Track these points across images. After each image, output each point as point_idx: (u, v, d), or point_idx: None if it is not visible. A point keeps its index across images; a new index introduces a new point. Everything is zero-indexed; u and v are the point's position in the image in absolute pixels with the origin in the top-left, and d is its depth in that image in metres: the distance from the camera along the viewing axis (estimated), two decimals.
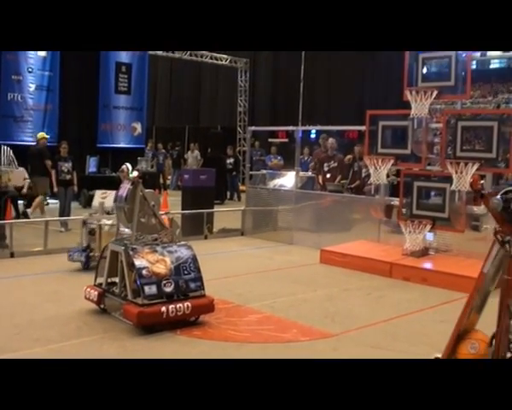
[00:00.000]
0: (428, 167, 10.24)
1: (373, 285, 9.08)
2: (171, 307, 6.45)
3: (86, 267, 9.23)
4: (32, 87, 17.98)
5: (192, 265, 6.85)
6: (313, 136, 19.80)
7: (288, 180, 14.66)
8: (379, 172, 10.27)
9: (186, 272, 6.77)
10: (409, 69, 10.17)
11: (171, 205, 15.57)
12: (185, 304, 6.57)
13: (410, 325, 7.06)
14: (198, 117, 32.47)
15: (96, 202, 9.75)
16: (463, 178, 9.21)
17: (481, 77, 35.72)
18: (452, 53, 9.55)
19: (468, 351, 4.21)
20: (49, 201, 16.25)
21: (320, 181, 14.04)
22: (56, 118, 18.50)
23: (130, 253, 6.65)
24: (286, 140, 20.95)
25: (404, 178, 10.45)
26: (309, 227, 12.41)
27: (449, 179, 9.46)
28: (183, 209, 13.23)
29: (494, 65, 41.64)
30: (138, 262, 6.56)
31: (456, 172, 9.27)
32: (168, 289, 6.58)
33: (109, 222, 9.29)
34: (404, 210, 10.31)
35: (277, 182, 15.16)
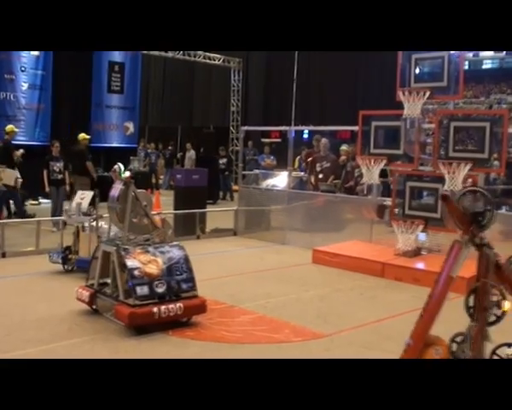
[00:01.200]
0: (421, 168, 10.25)
1: (365, 285, 9.08)
2: (163, 307, 6.44)
3: (66, 269, 9.27)
4: (25, 86, 17.93)
5: (184, 265, 6.84)
6: (306, 136, 19.81)
7: (280, 180, 14.66)
8: (371, 172, 10.28)
9: (178, 273, 6.76)
10: (402, 70, 10.18)
11: (163, 205, 15.56)
12: (177, 305, 6.55)
13: (402, 326, 7.01)
14: (191, 117, 32.44)
15: (73, 203, 9.61)
16: (456, 178, 9.23)
17: (474, 77, 35.90)
18: (445, 53, 9.55)
19: (433, 357, 4.13)
20: (41, 200, 16.22)
21: (312, 181, 14.03)
22: (49, 117, 18.46)
23: (122, 253, 6.63)
24: (279, 140, 20.99)
25: (396, 179, 10.46)
26: (301, 227, 12.41)
27: (441, 180, 9.47)
28: (175, 209, 13.21)
29: (487, 65, 41.79)
30: (130, 263, 6.54)
31: (449, 173, 9.29)
32: (160, 289, 6.57)
33: (87, 224, 9.24)
34: (396, 210, 10.32)
35: (270, 182, 15.16)
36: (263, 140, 22.84)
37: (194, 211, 12.79)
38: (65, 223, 10.01)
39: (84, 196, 9.53)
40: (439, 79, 9.76)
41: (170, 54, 24.87)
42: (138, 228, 7.14)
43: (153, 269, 6.63)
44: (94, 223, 9.10)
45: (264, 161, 20.25)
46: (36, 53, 18.03)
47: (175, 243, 7.20)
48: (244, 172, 15.87)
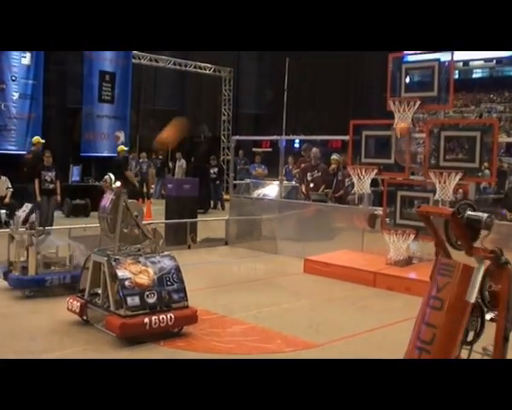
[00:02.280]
0: (412, 177, 10.26)
1: (357, 295, 9.07)
2: (154, 318, 6.41)
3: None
4: (16, 96, 17.85)
5: (175, 275, 6.81)
6: (297, 145, 19.86)
7: (271, 189, 14.67)
8: (362, 181, 10.29)
9: (169, 283, 6.73)
10: (392, 79, 10.20)
11: (154, 214, 15.55)
12: (168, 315, 6.52)
13: (394, 335, 7.04)
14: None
15: (17, 215, 8.95)
16: (446, 187, 9.25)
17: (464, 86, 36.14)
18: (435, 63, 9.58)
19: None
20: None
21: (303, 190, 14.04)
22: (40, 127, 18.35)
23: (113, 263, 6.60)
24: (270, 149, 21.02)
25: (387, 188, 10.47)
26: (293, 236, 12.39)
27: (432, 189, 9.49)
28: (166, 219, 13.17)
29: (477, 74, 42.05)
30: (121, 273, 6.51)
31: (440, 182, 9.30)
32: (151, 300, 6.54)
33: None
34: (387, 219, 10.32)
35: (261, 191, 15.16)
36: (254, 149, 22.88)
37: (185, 220, 12.77)
38: (12, 237, 8.87)
39: (25, 209, 9.02)
40: (430, 88, 9.78)
41: (161, 63, 24.85)
42: (129, 238, 7.11)
43: (144, 279, 6.60)
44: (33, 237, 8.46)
45: (256, 171, 20.28)
46: (27, 62, 17.97)
47: (166, 253, 7.17)
48: (235, 182, 15.87)
